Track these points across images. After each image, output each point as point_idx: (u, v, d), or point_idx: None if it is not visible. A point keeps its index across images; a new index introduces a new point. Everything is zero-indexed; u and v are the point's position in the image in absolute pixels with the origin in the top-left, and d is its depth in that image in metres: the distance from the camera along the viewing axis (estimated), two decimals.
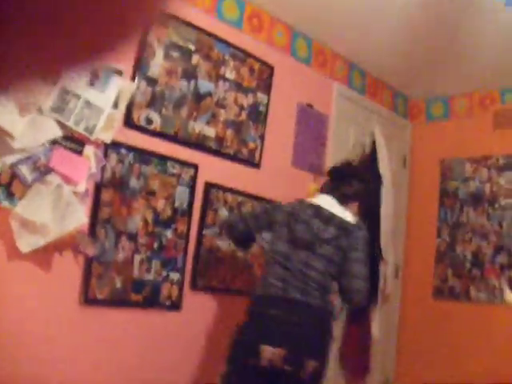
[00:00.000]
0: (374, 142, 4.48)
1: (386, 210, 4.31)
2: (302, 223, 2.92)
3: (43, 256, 2.70)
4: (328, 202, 2.99)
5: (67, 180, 2.71)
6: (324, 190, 3.14)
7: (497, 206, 4.63)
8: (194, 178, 3.34)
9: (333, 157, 4.28)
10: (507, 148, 4.65)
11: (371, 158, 4.43)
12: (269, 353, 2.69)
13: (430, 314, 4.51)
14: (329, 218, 2.92)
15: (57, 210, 2.65)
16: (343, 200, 3.01)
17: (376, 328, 4.25)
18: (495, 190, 4.66)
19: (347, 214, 2.97)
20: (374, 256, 4.25)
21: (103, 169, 2.91)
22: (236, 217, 3.37)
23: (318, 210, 2.95)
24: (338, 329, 4.31)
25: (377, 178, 4.34)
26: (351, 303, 3.05)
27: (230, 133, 3.54)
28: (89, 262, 2.88)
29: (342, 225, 2.91)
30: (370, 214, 4.30)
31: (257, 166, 3.73)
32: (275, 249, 2.94)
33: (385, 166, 4.37)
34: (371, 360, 4.37)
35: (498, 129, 4.71)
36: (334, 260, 2.87)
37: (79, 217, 2.75)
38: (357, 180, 3.09)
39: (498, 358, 4.28)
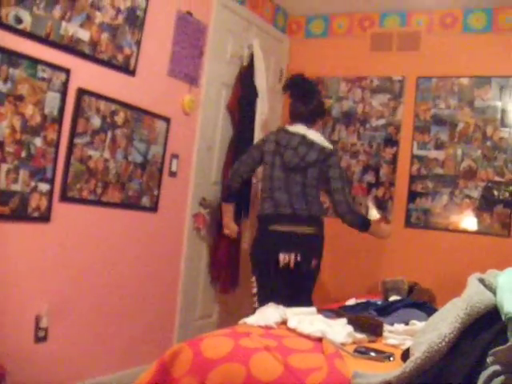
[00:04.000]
0: (251, 55, 4.45)
1: (260, 123, 4.35)
2: (291, 149, 3.67)
3: None
4: (304, 129, 3.72)
5: None
6: (294, 113, 3.84)
7: (368, 126, 4.81)
8: (65, 84, 3.14)
9: (210, 68, 4.22)
10: (382, 70, 4.79)
11: (248, 71, 4.41)
12: (285, 258, 3.61)
13: None
14: (311, 144, 3.69)
15: None
16: (311, 119, 3.80)
17: (245, 241, 4.37)
18: (367, 110, 4.83)
19: (322, 139, 3.77)
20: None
21: None
22: (230, 177, 3.91)
23: (302, 138, 3.68)
24: (209, 241, 4.41)
25: (253, 91, 4.35)
26: (338, 215, 3.75)
27: (104, 37, 3.35)
28: None
29: (322, 151, 3.70)
30: (245, 126, 4.33)
31: (132, 73, 3.58)
32: (272, 174, 3.71)
33: (261, 80, 4.37)
34: (240, 273, 4.51)
35: (375, 51, 4.83)
36: (320, 178, 3.71)
37: None
38: (316, 95, 3.89)
39: (359, 265, 4.57)
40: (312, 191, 3.70)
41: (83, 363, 3.44)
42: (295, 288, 3.75)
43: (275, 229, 3.67)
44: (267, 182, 3.74)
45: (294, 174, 3.68)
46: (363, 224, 3.73)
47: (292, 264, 3.61)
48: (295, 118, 3.83)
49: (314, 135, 3.75)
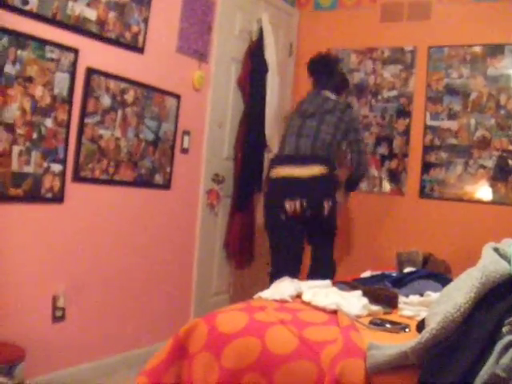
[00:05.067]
0: (261, 29, 4.41)
1: (271, 97, 4.32)
2: (307, 102, 3.91)
3: None
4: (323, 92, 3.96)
5: None
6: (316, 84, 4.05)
7: (380, 97, 4.77)
8: (74, 64, 3.14)
9: (219, 43, 4.19)
10: (393, 41, 4.73)
11: (258, 46, 4.37)
12: (291, 205, 3.64)
13: None
14: (326, 98, 3.91)
15: None
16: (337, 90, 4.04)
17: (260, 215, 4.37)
18: (379, 82, 4.78)
19: (337, 97, 3.99)
20: (260, 144, 4.29)
21: None
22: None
23: (318, 93, 3.95)
24: (223, 217, 4.42)
25: (263, 65, 4.33)
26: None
27: (112, 15, 3.33)
28: None
29: (337, 102, 3.90)
30: (256, 101, 4.31)
31: (140, 51, 3.57)
32: (289, 123, 3.91)
33: (271, 54, 4.34)
34: (254, 248, 4.52)
35: (385, 22, 4.76)
36: (340, 127, 3.82)
37: None
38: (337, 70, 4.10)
39: (374, 237, 4.57)
40: (326, 137, 3.78)
41: (101, 341, 3.48)
42: (316, 236, 3.89)
43: (278, 173, 3.77)
44: (283, 131, 3.98)
45: (310, 120, 3.82)
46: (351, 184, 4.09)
47: (299, 211, 3.65)
48: (318, 87, 4.04)
49: (329, 94, 3.96)
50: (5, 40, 2.76)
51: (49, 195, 3.07)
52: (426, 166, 4.56)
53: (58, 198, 3.13)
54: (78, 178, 3.23)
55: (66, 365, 3.24)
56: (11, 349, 2.78)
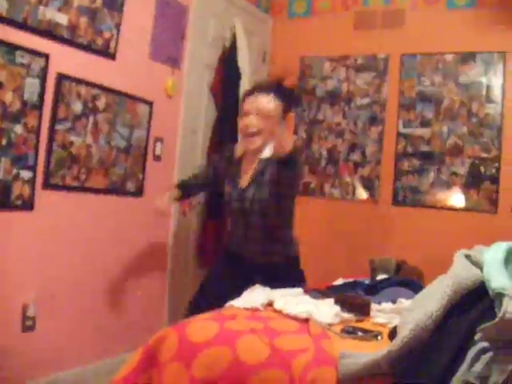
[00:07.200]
0: (234, 36, 4.40)
1: None
2: None
3: None
4: None
5: None
6: None
7: (353, 105, 4.79)
8: (44, 69, 3.10)
9: (191, 50, 4.17)
10: (366, 48, 4.76)
11: (231, 52, 4.36)
12: None
13: None
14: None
15: None
16: None
17: None
18: (352, 89, 4.80)
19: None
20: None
21: None
22: None
23: None
24: (195, 224, 4.39)
25: (236, 72, 4.31)
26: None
27: (83, 20, 3.29)
28: None
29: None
30: (229, 108, 4.29)
31: (112, 57, 3.53)
32: None
33: (244, 60, 4.33)
34: None
35: (359, 29, 4.79)
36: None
37: None
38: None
39: (347, 244, 4.58)
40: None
41: (72, 351, 3.43)
42: None
43: None
44: None
45: None
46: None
47: None
48: None
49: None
50: None
51: (18, 202, 3.01)
52: (399, 173, 4.59)
53: (28, 205, 3.08)
54: (48, 185, 3.18)
55: (35, 375, 3.18)
56: None
